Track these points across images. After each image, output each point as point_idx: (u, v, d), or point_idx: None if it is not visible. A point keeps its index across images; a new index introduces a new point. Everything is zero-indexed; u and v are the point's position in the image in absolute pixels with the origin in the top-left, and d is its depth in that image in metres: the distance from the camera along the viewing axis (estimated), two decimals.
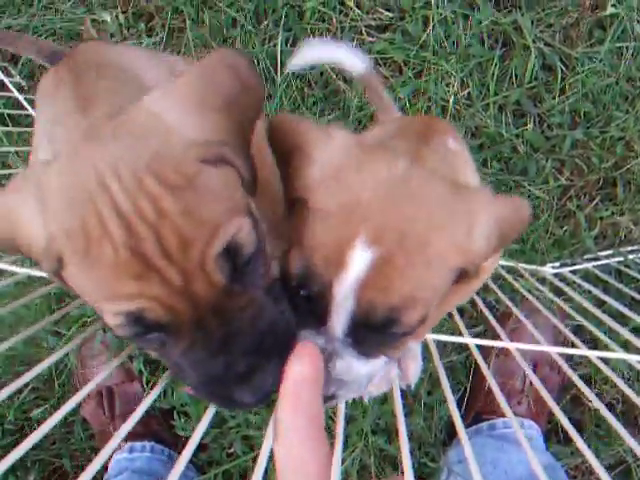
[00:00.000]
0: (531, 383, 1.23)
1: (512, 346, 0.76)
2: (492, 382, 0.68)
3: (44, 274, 0.75)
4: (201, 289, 0.40)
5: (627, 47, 1.19)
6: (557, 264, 1.17)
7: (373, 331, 0.45)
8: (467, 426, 1.20)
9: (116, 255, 0.38)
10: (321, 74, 1.21)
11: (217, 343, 0.41)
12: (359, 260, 0.41)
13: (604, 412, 0.62)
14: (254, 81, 0.49)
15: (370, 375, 0.50)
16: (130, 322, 0.40)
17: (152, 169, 0.39)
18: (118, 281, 0.38)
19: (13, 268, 0.78)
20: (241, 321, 0.42)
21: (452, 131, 0.70)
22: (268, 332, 0.43)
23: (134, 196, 0.38)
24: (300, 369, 0.40)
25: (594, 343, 1.16)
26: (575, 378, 0.71)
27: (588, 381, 1.23)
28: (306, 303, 0.46)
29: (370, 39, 1.19)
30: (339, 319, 0.44)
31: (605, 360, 0.72)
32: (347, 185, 0.44)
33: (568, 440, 1.20)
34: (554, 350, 0.76)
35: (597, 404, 0.64)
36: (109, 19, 1.22)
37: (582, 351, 0.75)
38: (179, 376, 0.46)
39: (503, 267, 1.16)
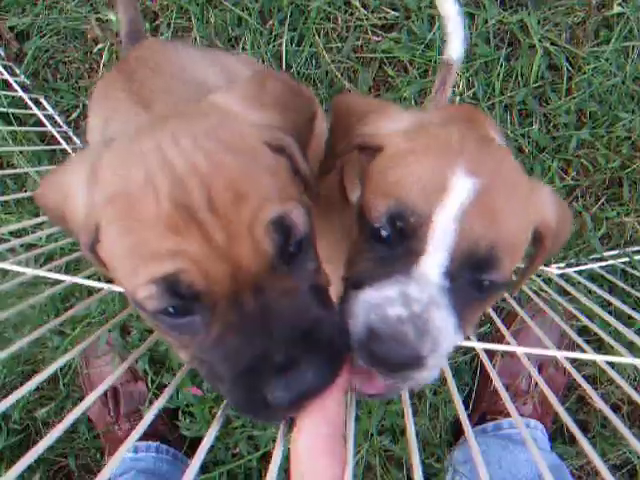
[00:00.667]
0: (536, 384, 1.23)
1: (519, 350, 0.76)
2: (498, 384, 0.67)
3: (50, 275, 0.76)
4: (245, 255, 0.37)
5: (633, 46, 1.18)
6: (563, 264, 1.17)
7: (472, 273, 0.41)
8: (473, 426, 1.20)
9: (158, 208, 0.36)
10: (326, 74, 1.20)
11: (254, 325, 0.38)
12: (462, 188, 0.39)
13: (608, 414, 0.62)
14: (302, 88, 0.52)
15: (450, 340, 0.42)
16: (164, 291, 0.37)
17: (213, 134, 0.39)
18: (157, 237, 0.37)
19: (19, 268, 0.78)
20: (282, 307, 0.39)
21: (492, 124, 0.70)
22: (313, 330, 0.39)
23: (189, 153, 0.38)
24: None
25: (599, 342, 1.16)
26: (581, 381, 0.71)
27: (594, 382, 1.23)
28: (390, 248, 0.42)
29: (376, 38, 1.19)
30: (438, 257, 0.39)
31: (611, 362, 0.72)
32: (432, 132, 0.45)
33: (574, 440, 1.20)
34: (561, 354, 0.76)
35: (602, 406, 0.64)
36: (114, 18, 1.21)
37: (589, 355, 0.74)
38: (213, 382, 0.42)
39: None
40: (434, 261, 0.40)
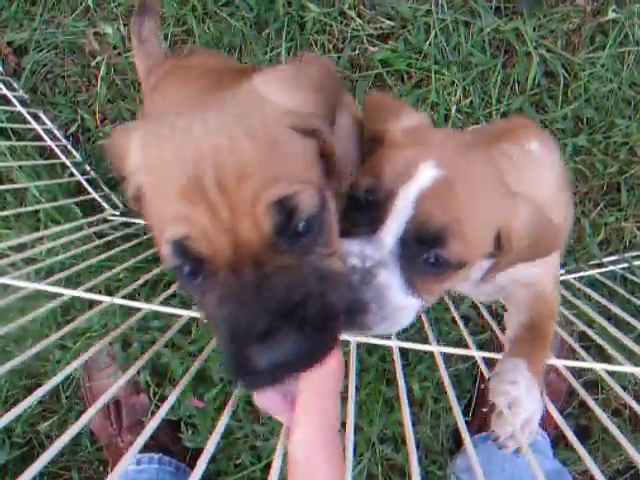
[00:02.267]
0: None
1: None
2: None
3: (50, 289, 0.77)
4: (246, 231, 0.42)
5: (629, 52, 1.19)
6: (562, 271, 1.17)
7: (421, 245, 0.49)
8: (474, 433, 1.20)
9: (178, 181, 0.43)
10: None
11: (249, 295, 0.42)
12: (425, 175, 0.49)
13: (606, 423, 0.62)
14: (334, 71, 0.58)
15: (402, 314, 0.52)
16: (174, 252, 0.43)
17: (241, 121, 0.45)
18: (174, 206, 0.43)
19: (20, 283, 0.79)
20: (277, 281, 0.42)
21: (541, 136, 0.72)
22: (303, 307, 0.42)
23: (213, 135, 0.44)
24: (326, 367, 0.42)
25: (600, 347, 1.16)
26: (581, 391, 0.71)
27: (595, 387, 1.23)
28: (363, 214, 0.52)
29: (372, 48, 1.19)
30: (394, 227, 0.49)
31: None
32: (423, 133, 0.55)
33: None
34: (560, 363, 0.76)
35: (600, 414, 0.64)
36: (111, 31, 1.22)
37: (588, 364, 0.75)
38: (218, 343, 0.46)
39: None
40: (390, 230, 0.49)
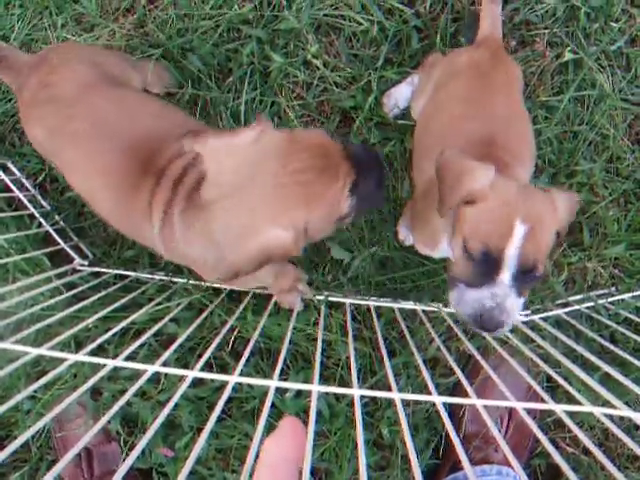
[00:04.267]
0: (507, 429, 1.24)
1: (479, 403, 0.76)
2: (452, 433, 0.68)
3: (17, 348, 0.77)
4: None
5: (589, 95, 1.21)
6: (528, 311, 1.19)
7: (525, 274, 0.72)
8: (446, 474, 1.20)
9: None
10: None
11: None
12: (520, 231, 0.71)
13: (565, 470, 0.62)
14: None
15: (517, 312, 0.78)
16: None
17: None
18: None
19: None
20: None
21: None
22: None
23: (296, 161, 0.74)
24: (283, 447, 0.40)
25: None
26: (539, 434, 0.71)
27: (565, 425, 1.23)
28: (479, 265, 0.74)
29: (336, 95, 1.21)
30: (509, 271, 0.72)
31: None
32: (501, 188, 0.75)
33: None
34: (519, 405, 0.76)
35: (559, 461, 0.64)
36: None
37: (548, 405, 0.75)
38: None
39: None
40: (506, 274, 0.73)
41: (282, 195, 0.74)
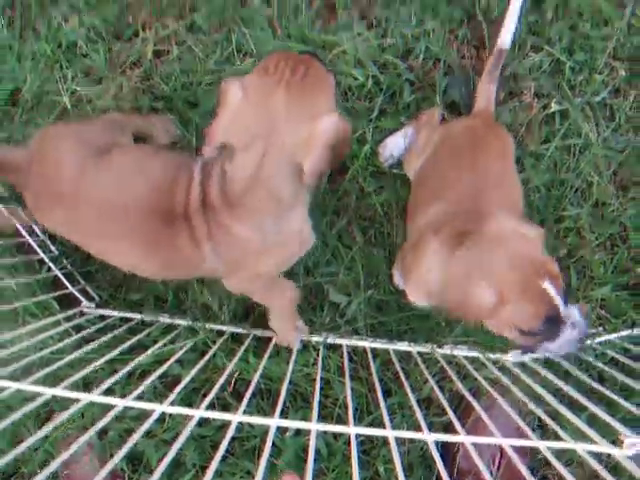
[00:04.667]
0: (499, 467, 1.28)
1: (467, 440, 0.81)
2: (443, 473, 0.73)
3: (33, 388, 0.82)
4: None
5: (575, 144, 1.26)
6: (519, 352, 1.23)
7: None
8: None
9: None
10: None
11: None
12: (551, 289, 0.81)
13: None
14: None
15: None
16: None
17: None
18: None
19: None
20: None
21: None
22: None
23: None
24: None
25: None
26: (522, 469, 0.75)
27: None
28: (550, 327, 0.85)
29: None
30: (562, 305, 0.83)
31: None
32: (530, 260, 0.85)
33: None
34: (506, 442, 0.80)
35: None
36: None
37: (533, 442, 0.79)
38: None
39: (467, 358, 1.22)
40: (563, 311, 0.84)
41: (298, 95, 0.78)
